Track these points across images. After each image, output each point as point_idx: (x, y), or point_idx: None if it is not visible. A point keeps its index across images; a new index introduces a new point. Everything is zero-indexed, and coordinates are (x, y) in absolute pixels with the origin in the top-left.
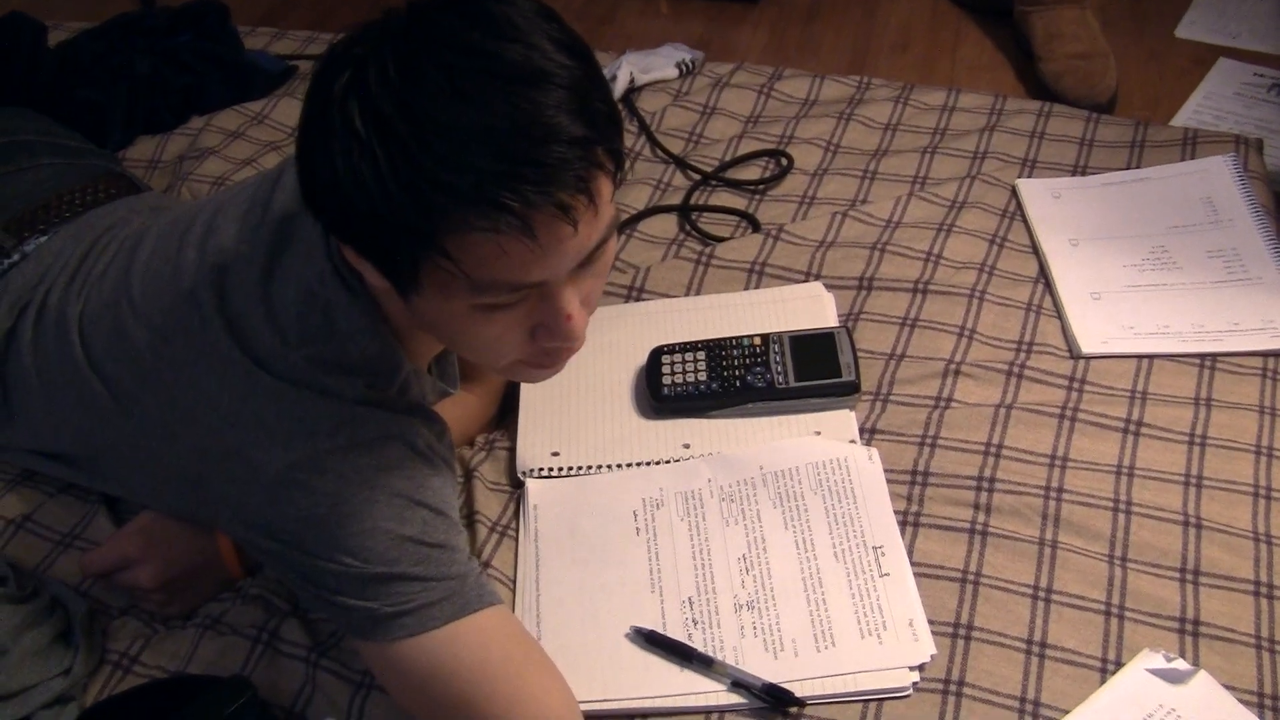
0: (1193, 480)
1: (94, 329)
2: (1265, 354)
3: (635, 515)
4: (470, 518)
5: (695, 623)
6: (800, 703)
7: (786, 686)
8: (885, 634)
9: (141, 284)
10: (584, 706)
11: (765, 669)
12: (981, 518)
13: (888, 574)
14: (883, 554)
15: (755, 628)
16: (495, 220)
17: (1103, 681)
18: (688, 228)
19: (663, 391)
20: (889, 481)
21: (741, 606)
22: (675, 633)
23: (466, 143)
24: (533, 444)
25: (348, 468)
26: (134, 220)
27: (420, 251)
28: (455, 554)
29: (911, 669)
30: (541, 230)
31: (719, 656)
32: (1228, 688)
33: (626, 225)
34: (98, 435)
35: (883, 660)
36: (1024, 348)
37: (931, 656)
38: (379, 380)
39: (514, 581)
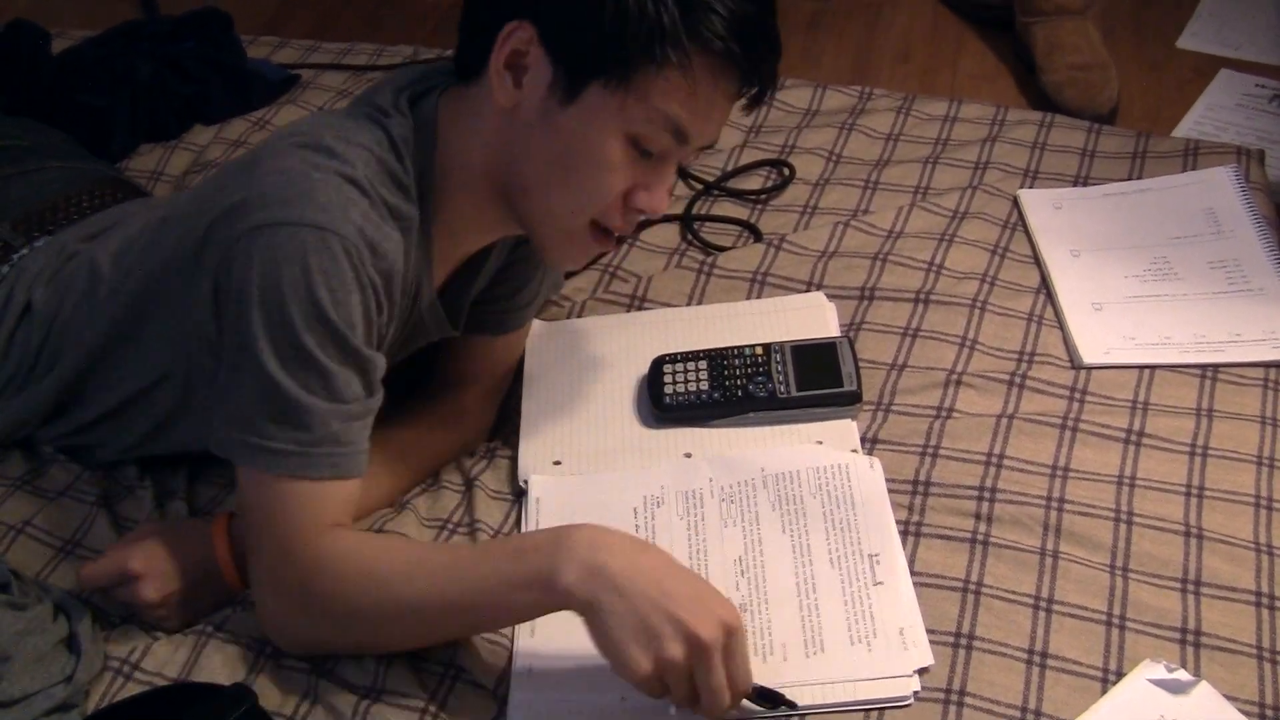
0: (1194, 491)
1: (128, 248)
2: (1267, 365)
3: (635, 513)
4: (471, 526)
5: None
6: (792, 704)
7: (780, 690)
8: (875, 641)
9: (176, 206)
10: (574, 702)
11: (753, 672)
12: (983, 528)
13: (881, 582)
14: (877, 562)
15: (746, 630)
16: (736, 53)
17: (1104, 692)
18: (689, 237)
19: (664, 400)
20: (890, 491)
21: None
22: None
23: None
24: (534, 453)
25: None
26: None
27: (669, 51)
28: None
29: (914, 674)
30: (761, 80)
31: None
32: (1229, 698)
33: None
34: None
35: (871, 669)
36: (1025, 358)
37: (924, 669)
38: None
39: None
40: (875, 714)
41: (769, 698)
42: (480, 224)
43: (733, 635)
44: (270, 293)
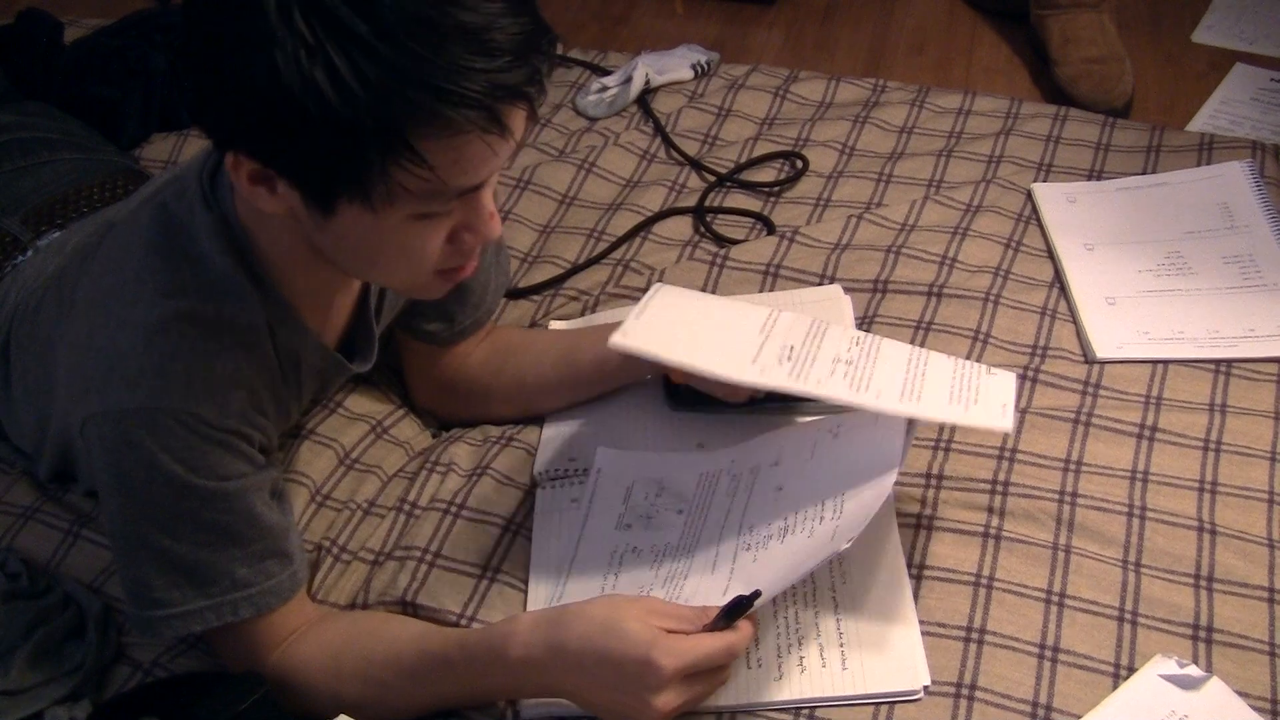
0: (1207, 486)
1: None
2: None
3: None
4: (483, 517)
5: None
6: (757, 593)
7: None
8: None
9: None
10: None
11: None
12: (995, 521)
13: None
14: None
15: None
16: (477, 118)
17: (1115, 687)
18: (702, 230)
19: (679, 392)
20: (903, 485)
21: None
22: None
23: (442, 41)
24: (550, 446)
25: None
26: None
27: (386, 157)
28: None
29: (923, 670)
30: (513, 126)
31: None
32: (1240, 694)
33: (641, 227)
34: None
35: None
36: (1038, 352)
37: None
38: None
39: (525, 584)
40: (886, 709)
41: (736, 609)
42: (331, 282)
43: (677, 666)
44: (126, 482)
